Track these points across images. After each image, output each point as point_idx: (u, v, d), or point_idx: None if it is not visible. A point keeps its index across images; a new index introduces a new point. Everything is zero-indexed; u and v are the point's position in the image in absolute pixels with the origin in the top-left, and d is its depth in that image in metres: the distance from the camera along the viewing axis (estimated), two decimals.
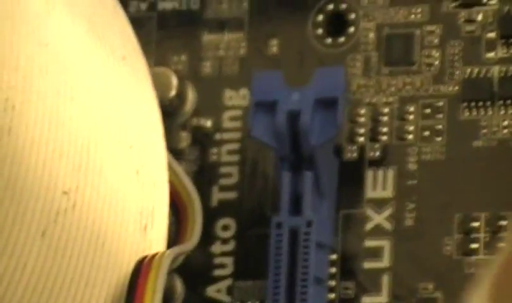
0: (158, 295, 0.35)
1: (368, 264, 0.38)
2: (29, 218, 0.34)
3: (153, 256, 0.36)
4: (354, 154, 0.39)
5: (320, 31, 0.40)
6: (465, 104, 0.38)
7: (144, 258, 0.36)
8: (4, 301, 0.35)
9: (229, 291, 0.40)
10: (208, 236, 0.40)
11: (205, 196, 0.40)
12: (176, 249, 0.37)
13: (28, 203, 0.34)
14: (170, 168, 0.40)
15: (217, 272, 0.41)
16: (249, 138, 0.39)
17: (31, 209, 0.34)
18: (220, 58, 0.42)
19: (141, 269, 0.36)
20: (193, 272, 0.40)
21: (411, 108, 0.39)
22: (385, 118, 0.39)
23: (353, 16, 0.40)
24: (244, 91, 0.40)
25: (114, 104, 0.39)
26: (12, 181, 0.34)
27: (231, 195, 0.41)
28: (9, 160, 0.34)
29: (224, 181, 0.41)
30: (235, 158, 0.41)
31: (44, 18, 0.38)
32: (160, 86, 0.40)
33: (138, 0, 0.43)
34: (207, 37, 0.42)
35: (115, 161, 0.38)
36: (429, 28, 0.42)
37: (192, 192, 0.40)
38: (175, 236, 0.39)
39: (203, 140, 0.42)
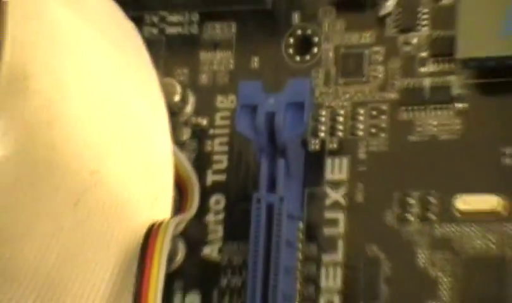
0: (165, 253, 0.35)
1: (327, 231, 0.37)
2: (65, 190, 0.33)
3: (161, 222, 0.36)
4: (317, 146, 0.39)
5: (290, 50, 0.40)
6: (403, 108, 0.38)
7: (154, 224, 0.36)
8: (41, 261, 0.33)
9: (220, 251, 0.40)
10: (203, 208, 0.40)
11: (201, 177, 0.40)
12: (178, 217, 0.37)
13: (64, 179, 0.33)
14: (175, 155, 0.39)
15: (211, 236, 0.40)
16: (235, 133, 0.39)
17: (66, 184, 0.33)
18: (213, 71, 0.42)
19: (151, 232, 0.35)
20: (191, 236, 0.40)
21: (361, 111, 0.39)
22: (341, 119, 0.39)
23: (316, 39, 0.40)
24: (232, 97, 0.40)
25: (132, 105, 0.37)
26: (55, 163, 0.33)
27: (221, 177, 0.40)
28: (54, 146, 0.33)
29: (216, 166, 0.40)
30: (224, 148, 0.41)
31: (83, 40, 0.36)
32: (167, 92, 0.39)
33: (151, 26, 0.42)
34: (204, 55, 0.41)
35: (132, 149, 0.36)
36: (375, 48, 0.41)
37: (191, 174, 0.39)
38: (178, 208, 0.38)
39: (200, 134, 0.41)
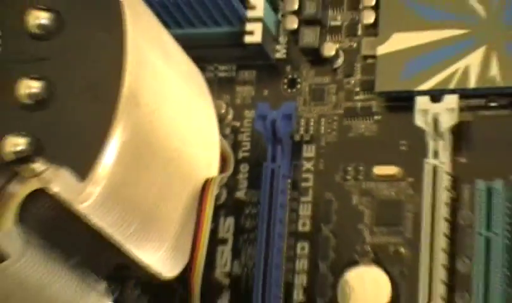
0: (213, 196, 0.38)
1: (303, 184, 0.43)
2: (161, 159, 0.36)
3: (212, 178, 0.39)
4: (298, 138, 0.43)
5: (285, 86, 0.44)
6: (346, 119, 0.42)
7: (208, 179, 0.39)
8: (149, 196, 0.35)
9: (245, 194, 0.45)
10: (236, 171, 0.44)
11: (235, 153, 0.44)
12: (221, 176, 0.40)
13: (161, 153, 0.36)
14: (220, 140, 0.41)
15: (240, 186, 0.45)
16: (254, 130, 0.44)
17: (162, 156, 0.36)
18: (243, 97, 0.46)
19: (206, 183, 0.38)
20: (230, 185, 0.44)
21: (323, 120, 0.43)
22: (312, 124, 0.43)
23: (299, 80, 0.44)
24: (253, 111, 0.45)
25: (198, 112, 0.40)
26: (155, 144, 0.36)
27: (246, 154, 0.45)
28: (156, 135, 0.35)
29: (243, 148, 0.45)
30: (248, 139, 0.45)
31: (168, 76, 0.38)
32: (217, 107, 0.43)
33: (209, 71, 0.46)
34: (238, 88, 0.46)
35: (199, 136, 0.39)
36: (331, 85, 0.45)
37: (229, 150, 0.42)
38: (221, 171, 0.40)
39: (235, 131, 0.45)
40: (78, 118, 0.31)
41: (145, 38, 0.34)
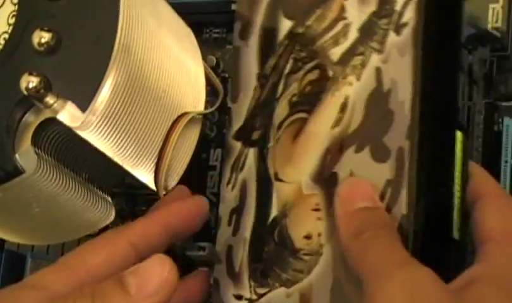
0: (180, 127, 0.41)
1: None
2: (153, 96, 0.40)
3: (185, 113, 0.41)
4: None
5: None
6: None
7: (183, 113, 0.41)
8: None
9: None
10: (223, 115, 0.47)
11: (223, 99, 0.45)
12: (196, 111, 0.43)
13: (152, 91, 0.40)
14: (216, 80, 0.45)
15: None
16: None
17: (153, 95, 0.40)
18: None
19: (180, 116, 0.41)
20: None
21: None
22: None
23: None
24: None
25: (185, 57, 0.43)
26: (147, 84, 0.39)
27: None
28: (146, 77, 0.39)
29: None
30: None
31: (160, 30, 0.41)
32: (209, 62, 0.48)
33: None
34: (229, 47, 0.48)
35: (186, 77, 0.43)
36: None
37: (221, 89, 0.45)
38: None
39: (225, 81, 0.47)
40: (80, 62, 0.36)
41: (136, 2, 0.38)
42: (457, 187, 0.38)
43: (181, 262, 0.38)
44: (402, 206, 0.35)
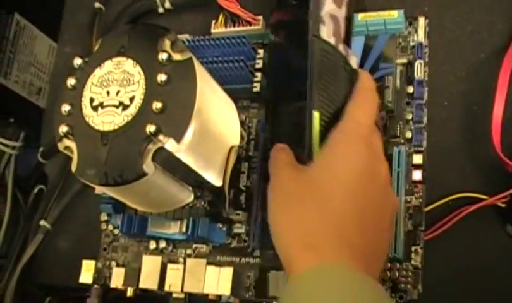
0: (235, 153, 0.54)
1: None
2: (211, 134, 0.51)
3: (233, 146, 0.54)
4: None
5: None
6: None
7: (232, 146, 0.54)
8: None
9: None
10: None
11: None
12: (236, 145, 0.54)
13: (213, 139, 0.51)
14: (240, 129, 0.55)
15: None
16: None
17: (211, 132, 0.51)
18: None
19: (231, 148, 0.54)
20: None
21: None
22: None
23: None
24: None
25: (229, 117, 0.55)
26: (211, 134, 0.51)
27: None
28: (208, 128, 0.50)
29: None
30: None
31: (212, 95, 0.51)
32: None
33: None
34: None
35: (230, 125, 0.54)
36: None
37: (244, 134, 0.57)
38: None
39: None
40: (176, 117, 0.49)
41: (204, 81, 0.50)
42: None
43: None
44: None
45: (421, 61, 0.58)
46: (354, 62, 0.51)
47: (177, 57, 0.50)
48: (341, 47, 0.49)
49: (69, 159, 0.50)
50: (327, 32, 0.48)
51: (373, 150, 0.45)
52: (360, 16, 0.56)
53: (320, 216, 0.42)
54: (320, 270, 0.40)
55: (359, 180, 0.43)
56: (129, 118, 0.49)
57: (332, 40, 0.48)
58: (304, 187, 0.44)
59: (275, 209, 0.45)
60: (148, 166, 0.49)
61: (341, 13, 0.50)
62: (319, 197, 0.43)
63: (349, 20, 0.53)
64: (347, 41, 0.51)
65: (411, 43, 0.59)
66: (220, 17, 0.65)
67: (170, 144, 0.49)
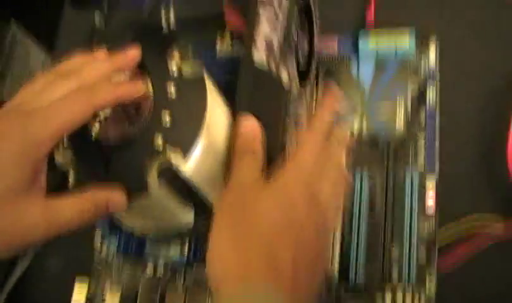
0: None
1: None
2: (217, 149, 0.49)
3: None
4: None
5: None
6: None
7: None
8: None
9: None
10: None
11: None
12: None
13: (214, 147, 0.48)
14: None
15: None
16: None
17: (216, 146, 0.48)
18: None
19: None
20: None
21: None
22: None
23: None
24: None
25: (229, 124, 0.50)
26: (218, 146, 0.48)
27: None
28: (215, 141, 0.47)
29: None
30: None
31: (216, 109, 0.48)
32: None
33: None
34: None
35: (224, 127, 0.50)
36: None
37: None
38: None
39: None
40: (184, 132, 0.47)
41: (213, 97, 0.49)
42: None
43: None
44: None
45: (433, 86, 0.57)
46: (285, 77, 0.51)
47: (187, 69, 0.49)
48: (273, 65, 0.50)
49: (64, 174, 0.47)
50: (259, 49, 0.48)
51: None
52: (371, 41, 0.56)
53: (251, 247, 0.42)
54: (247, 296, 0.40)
55: (273, 233, 0.43)
56: (136, 130, 0.47)
57: (263, 56, 0.49)
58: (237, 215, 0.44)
59: (217, 228, 0.44)
60: (154, 180, 0.47)
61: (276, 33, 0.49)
62: (250, 225, 0.43)
63: (357, 39, 0.54)
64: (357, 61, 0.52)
65: (422, 68, 0.58)
66: (226, 34, 0.63)
67: (176, 159, 0.47)
